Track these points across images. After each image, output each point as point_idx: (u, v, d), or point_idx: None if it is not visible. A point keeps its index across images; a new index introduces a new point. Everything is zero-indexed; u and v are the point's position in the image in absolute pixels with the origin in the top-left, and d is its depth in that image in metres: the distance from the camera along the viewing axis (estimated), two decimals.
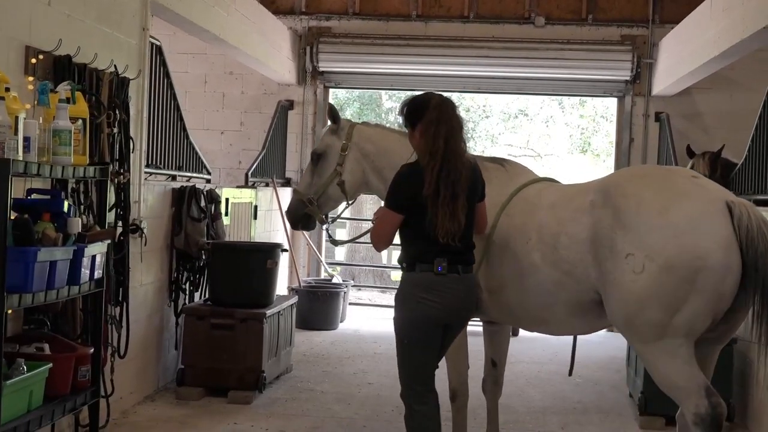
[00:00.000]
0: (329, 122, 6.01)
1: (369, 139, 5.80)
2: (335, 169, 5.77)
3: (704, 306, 4.43)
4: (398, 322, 4.80)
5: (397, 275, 18.31)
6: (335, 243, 6.54)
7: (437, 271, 4.65)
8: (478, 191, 4.87)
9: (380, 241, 4.88)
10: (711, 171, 8.94)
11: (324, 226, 6.17)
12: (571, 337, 5.47)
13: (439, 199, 4.60)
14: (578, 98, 20.98)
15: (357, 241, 6.34)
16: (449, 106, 4.80)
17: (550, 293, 4.87)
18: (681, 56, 10.56)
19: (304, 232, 12.08)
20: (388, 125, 7.07)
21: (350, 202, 6.01)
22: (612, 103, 13.64)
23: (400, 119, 4.99)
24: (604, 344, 9.65)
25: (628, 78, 12.25)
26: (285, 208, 6.17)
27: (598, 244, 4.65)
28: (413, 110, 4.84)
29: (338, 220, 6.38)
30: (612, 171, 12.50)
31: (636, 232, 4.52)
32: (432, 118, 4.71)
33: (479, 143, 22.94)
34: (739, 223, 4.39)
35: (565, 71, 12.38)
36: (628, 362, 8.21)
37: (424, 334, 4.71)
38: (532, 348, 10.03)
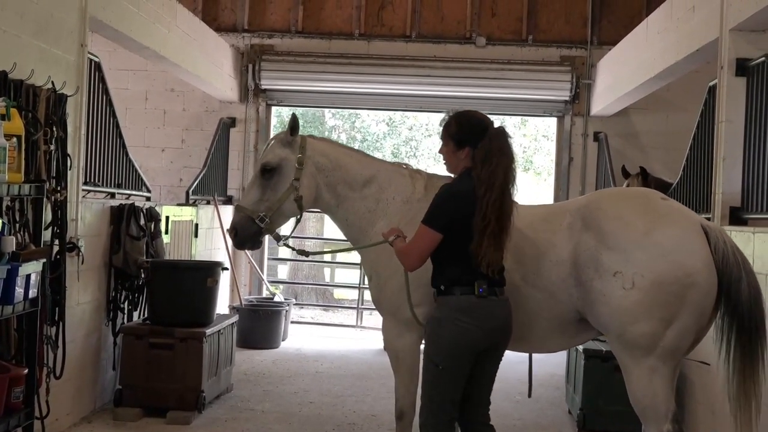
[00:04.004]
0: (272, 135, 5.67)
1: (322, 153, 5.56)
2: (291, 184, 5.46)
3: (692, 322, 4.63)
4: (435, 346, 4.63)
5: (340, 293, 18.31)
6: (305, 254, 6.08)
7: (478, 294, 4.54)
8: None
9: (415, 260, 4.67)
10: None
11: (282, 242, 5.83)
12: (518, 354, 5.48)
13: (488, 230, 4.51)
14: (520, 117, 21.23)
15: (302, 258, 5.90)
16: (506, 135, 4.67)
17: (532, 312, 4.91)
18: (618, 77, 10.76)
19: (246, 250, 12.07)
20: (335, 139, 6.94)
21: (299, 218, 5.69)
22: (552, 122, 13.84)
23: (440, 131, 4.82)
24: (543, 361, 9.70)
25: (567, 98, 12.45)
26: (228, 226, 5.70)
27: (581, 266, 4.77)
28: (468, 130, 4.69)
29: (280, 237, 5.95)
30: (552, 189, 12.68)
31: (622, 251, 4.67)
32: (493, 147, 4.58)
33: (422, 162, 23.06)
34: (716, 248, 4.63)
35: (506, 91, 12.54)
36: (568, 379, 8.31)
37: (461, 360, 4.58)
38: None
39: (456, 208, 4.57)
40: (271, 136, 5.67)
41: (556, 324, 4.95)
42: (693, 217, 4.84)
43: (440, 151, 4.88)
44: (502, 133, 4.66)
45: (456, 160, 4.76)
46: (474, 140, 4.66)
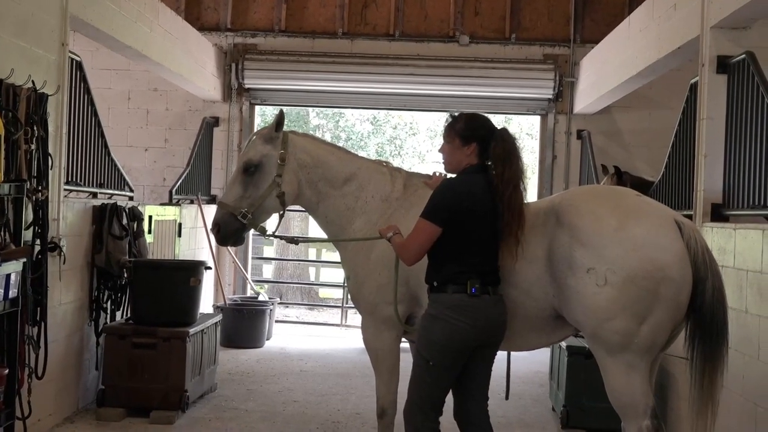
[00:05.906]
0: (255, 131, 5.63)
1: (304, 149, 5.57)
2: (274, 180, 5.47)
3: (666, 316, 4.61)
4: (426, 342, 4.63)
5: (325, 292, 18.31)
6: (295, 242, 6.06)
7: (471, 293, 4.54)
8: None
9: (414, 254, 4.65)
10: None
11: (268, 235, 5.77)
12: (501, 352, 5.49)
13: (516, 228, 4.61)
14: (504, 116, 21.26)
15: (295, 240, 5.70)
16: (513, 137, 4.75)
17: (508, 310, 4.85)
18: (601, 75, 10.79)
19: (230, 249, 12.05)
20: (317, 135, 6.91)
21: (282, 214, 5.69)
22: (536, 120, 13.87)
23: (443, 130, 4.85)
24: (527, 359, 9.75)
25: (550, 96, 12.47)
26: (210, 223, 5.73)
27: (555, 263, 4.75)
28: (475, 127, 4.74)
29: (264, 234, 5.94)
30: (536, 187, 12.73)
31: (595, 247, 4.64)
32: (510, 147, 4.65)
33: (407, 160, 23.08)
34: (688, 245, 4.61)
35: (489, 89, 12.53)
36: (551, 376, 8.33)
37: (452, 357, 4.59)
38: None
39: (458, 203, 4.56)
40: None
41: (533, 322, 4.93)
42: (665, 212, 4.82)
43: (441, 150, 4.86)
44: (509, 133, 4.72)
45: (460, 156, 4.74)
46: (481, 137, 4.69)
